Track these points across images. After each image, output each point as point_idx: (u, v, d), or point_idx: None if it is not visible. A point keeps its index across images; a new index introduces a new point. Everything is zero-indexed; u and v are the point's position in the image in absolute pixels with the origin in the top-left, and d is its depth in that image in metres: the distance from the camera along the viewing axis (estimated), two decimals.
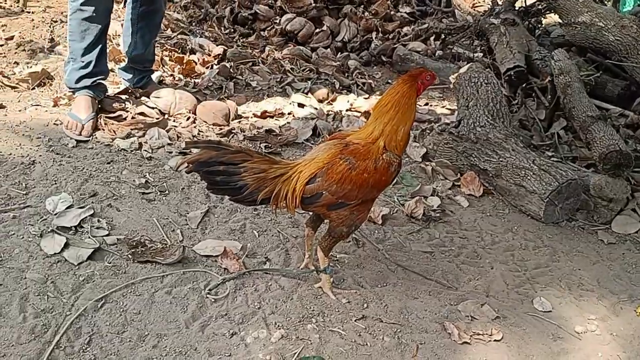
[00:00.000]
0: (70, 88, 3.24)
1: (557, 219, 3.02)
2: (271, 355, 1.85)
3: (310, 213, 2.25)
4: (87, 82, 3.18)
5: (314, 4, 5.62)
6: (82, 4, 3.01)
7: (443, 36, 5.36)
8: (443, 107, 4.47)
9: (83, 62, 3.15)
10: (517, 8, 5.02)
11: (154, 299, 2.04)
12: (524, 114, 4.09)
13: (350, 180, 1.96)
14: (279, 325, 1.99)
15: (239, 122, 3.65)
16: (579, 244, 2.89)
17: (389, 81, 5.10)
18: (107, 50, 4.03)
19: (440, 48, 5.24)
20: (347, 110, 4.08)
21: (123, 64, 3.68)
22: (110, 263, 2.17)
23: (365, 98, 4.41)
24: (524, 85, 4.29)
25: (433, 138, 3.59)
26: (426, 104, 4.49)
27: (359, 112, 4.08)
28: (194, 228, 2.49)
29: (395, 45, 5.41)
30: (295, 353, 1.88)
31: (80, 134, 3.06)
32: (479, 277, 2.50)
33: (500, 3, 5.05)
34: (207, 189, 2.00)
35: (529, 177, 3.03)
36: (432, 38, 5.40)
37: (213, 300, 2.08)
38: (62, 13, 4.70)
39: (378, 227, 2.75)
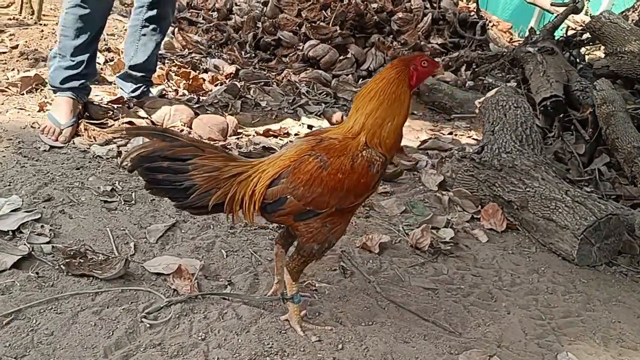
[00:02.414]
0: (52, 86, 2.97)
1: (594, 262, 2.52)
2: None
3: (282, 228, 1.86)
4: (75, 83, 2.93)
5: (339, 31, 5.37)
6: (82, 1, 2.79)
7: (474, 66, 4.99)
8: (469, 137, 4.05)
9: (73, 61, 2.89)
10: (556, 38, 4.62)
11: (76, 319, 1.67)
12: (560, 146, 3.63)
13: (320, 181, 1.57)
14: None
15: (238, 138, 3.32)
16: (620, 292, 2.38)
17: (414, 112, 4.73)
18: (113, 62, 3.84)
19: (471, 78, 4.86)
20: None
21: (122, 72, 3.45)
22: (37, 274, 1.81)
23: None
24: (561, 116, 3.84)
25: (452, 165, 3.17)
26: (450, 133, 4.08)
27: None
28: (152, 242, 2.13)
29: None
30: None
31: (56, 140, 2.79)
32: (491, 322, 2.03)
33: (538, 32, 4.67)
34: (146, 189, 1.63)
35: (560, 210, 2.56)
36: (462, 68, 5.03)
37: (149, 325, 1.69)
38: None
39: (374, 256, 2.32)
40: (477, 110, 3.47)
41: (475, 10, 6.07)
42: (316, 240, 1.65)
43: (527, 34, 4.79)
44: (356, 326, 1.86)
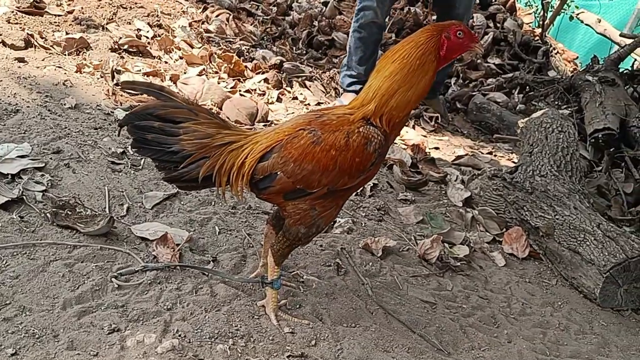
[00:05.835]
0: (342, 87, 3.99)
1: (619, 305, 2.29)
2: None
3: (274, 207, 1.76)
4: (356, 87, 3.74)
5: (395, 38, 5.25)
6: (358, 27, 3.75)
7: (528, 89, 4.75)
8: (509, 159, 3.84)
9: (354, 72, 3.83)
10: (620, 70, 4.35)
11: (47, 267, 1.62)
12: (606, 182, 3.38)
13: (312, 157, 1.46)
14: (180, 335, 1.49)
15: (265, 125, 3.26)
16: None
17: (459, 129, 4.55)
18: (160, 38, 3.90)
19: (523, 102, 4.63)
20: None
21: None
22: (20, 217, 1.79)
23: (424, 136, 3.91)
24: (612, 151, 3.59)
25: (481, 182, 2.99)
26: (490, 153, 3.89)
27: (406, 145, 3.56)
28: (147, 208, 2.07)
29: (473, 93, 4.87)
30: None
31: None
32: (487, 347, 1.86)
33: (601, 62, 4.41)
34: (132, 147, 1.56)
35: (588, 243, 2.35)
36: (516, 90, 4.81)
37: (117, 286, 1.62)
38: (135, 3, 4.66)
39: (375, 259, 2.19)
40: (518, 131, 3.27)
41: (540, 35, 5.82)
42: (303, 223, 1.55)
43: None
44: (336, 325, 1.73)
